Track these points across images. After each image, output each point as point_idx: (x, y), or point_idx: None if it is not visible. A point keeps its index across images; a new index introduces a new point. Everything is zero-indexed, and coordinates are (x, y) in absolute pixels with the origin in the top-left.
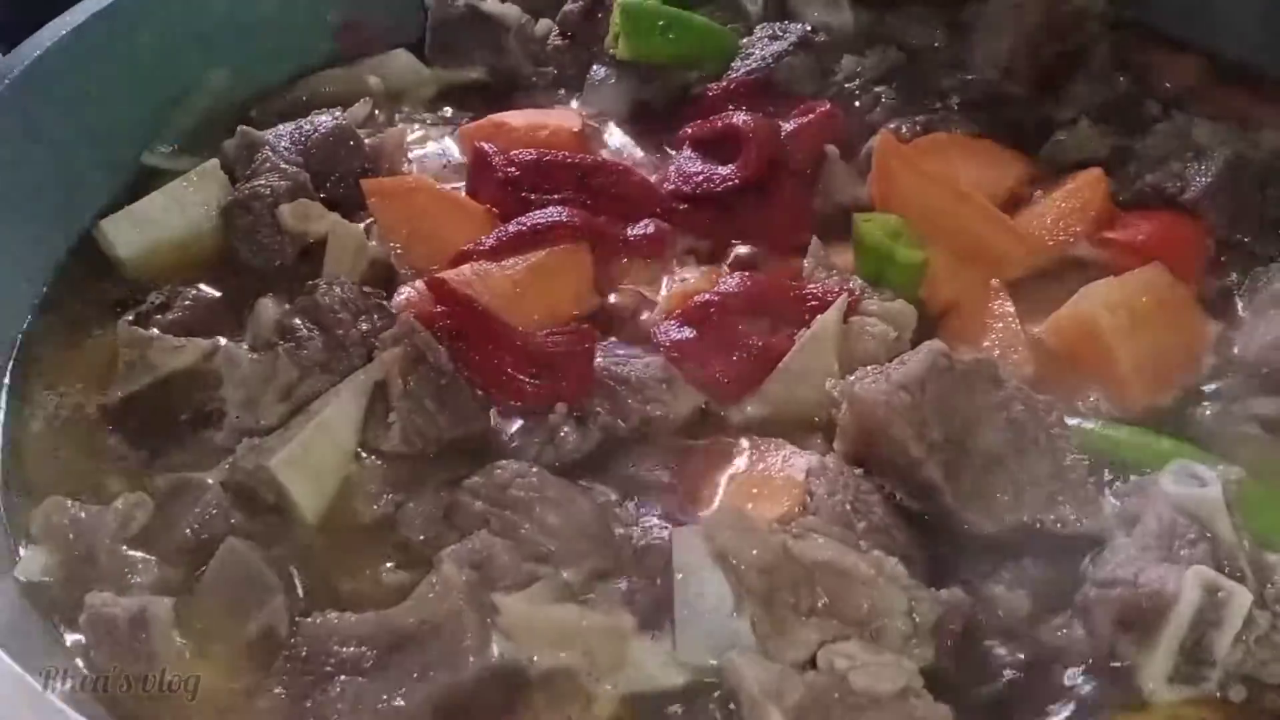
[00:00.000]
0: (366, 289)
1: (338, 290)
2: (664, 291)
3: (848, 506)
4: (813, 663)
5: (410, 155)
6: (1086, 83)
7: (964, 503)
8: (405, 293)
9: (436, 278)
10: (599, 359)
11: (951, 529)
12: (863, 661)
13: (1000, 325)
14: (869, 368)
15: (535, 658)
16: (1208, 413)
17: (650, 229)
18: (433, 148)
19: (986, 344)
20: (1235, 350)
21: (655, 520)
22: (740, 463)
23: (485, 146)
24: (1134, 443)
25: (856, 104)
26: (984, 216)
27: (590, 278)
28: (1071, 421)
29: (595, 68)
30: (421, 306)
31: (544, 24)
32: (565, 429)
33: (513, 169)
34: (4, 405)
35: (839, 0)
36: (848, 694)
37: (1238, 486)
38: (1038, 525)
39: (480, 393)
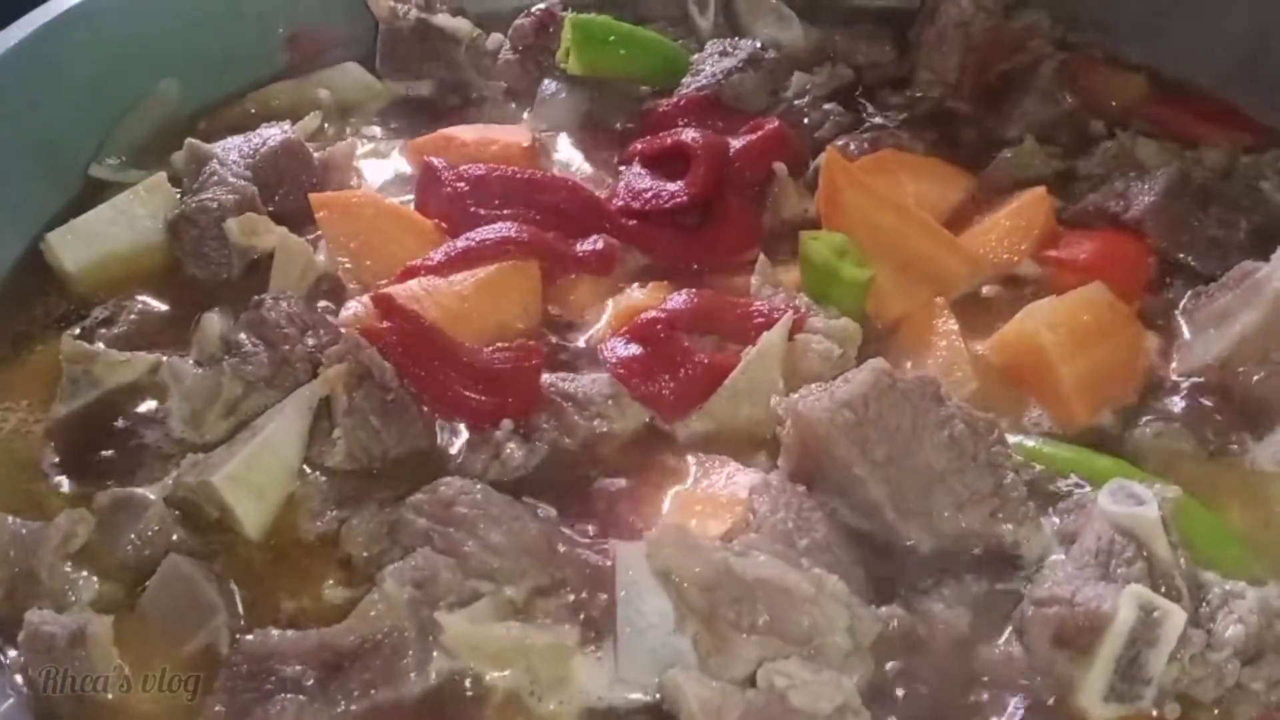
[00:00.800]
0: (313, 304)
1: (284, 305)
2: (611, 308)
3: (790, 524)
4: (754, 680)
5: (359, 169)
6: (1032, 101)
7: (905, 519)
8: (352, 308)
9: (383, 293)
10: (545, 375)
11: (893, 546)
12: (801, 680)
13: (944, 343)
14: (813, 385)
15: (478, 675)
16: (1147, 431)
17: (599, 245)
18: (382, 162)
19: (930, 361)
20: (1175, 368)
21: (600, 537)
22: (684, 480)
23: (434, 161)
24: (1074, 460)
25: (805, 121)
26: (929, 234)
27: (538, 294)
28: (1013, 439)
29: (546, 82)
30: (368, 322)
31: (495, 38)
32: (510, 445)
33: (461, 184)
34: None
35: (789, 17)
36: (787, 712)
37: (1175, 505)
38: (978, 543)
39: (426, 409)
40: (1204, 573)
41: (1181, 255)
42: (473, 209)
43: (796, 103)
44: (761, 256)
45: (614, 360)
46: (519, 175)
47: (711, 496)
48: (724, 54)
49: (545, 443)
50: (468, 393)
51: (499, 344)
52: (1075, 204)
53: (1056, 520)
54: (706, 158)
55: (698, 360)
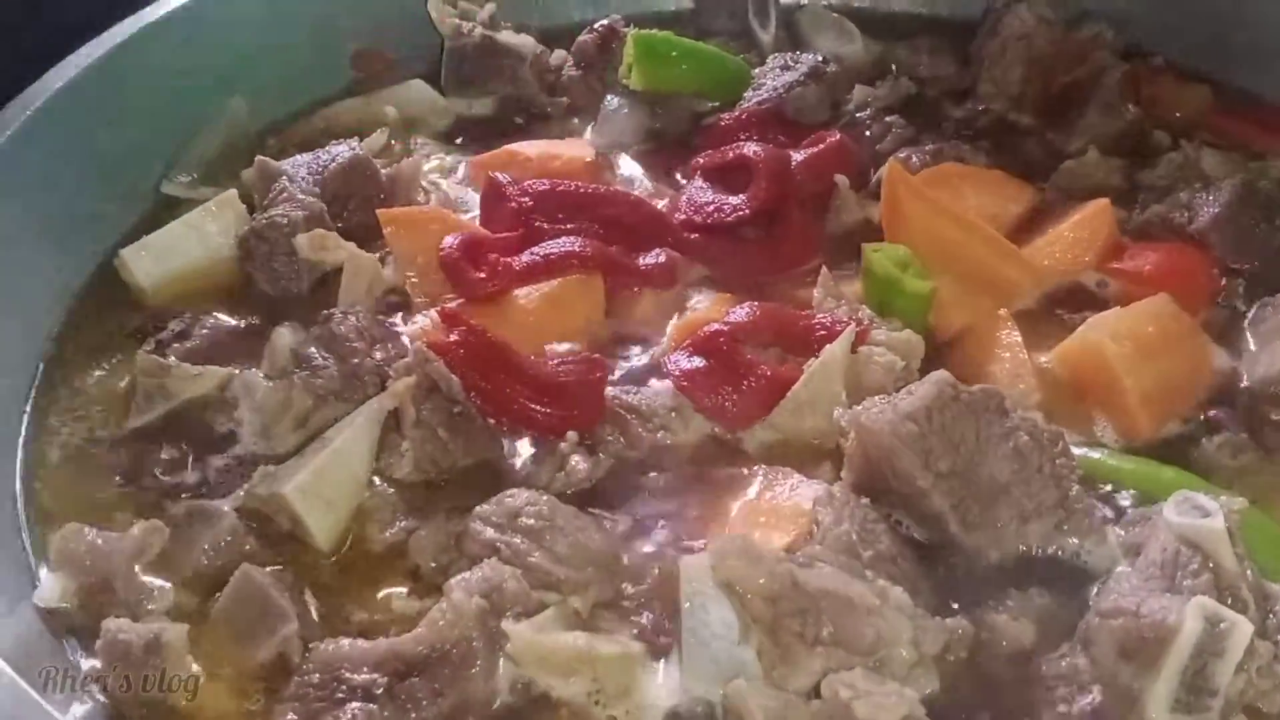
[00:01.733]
0: (381, 318)
1: (352, 319)
2: (674, 321)
3: (854, 536)
4: (818, 691)
5: (425, 185)
6: (1096, 113)
7: (969, 532)
8: (419, 322)
9: (450, 308)
10: (609, 388)
11: (957, 558)
12: (865, 691)
13: (1007, 355)
14: (876, 397)
15: (544, 685)
16: (1214, 443)
17: (661, 258)
18: (448, 178)
19: (994, 373)
20: (1242, 380)
21: (664, 548)
22: (748, 491)
23: (499, 177)
24: (1139, 473)
25: (867, 134)
26: (992, 246)
27: (602, 307)
28: (1078, 451)
29: (609, 98)
30: (435, 336)
31: (558, 54)
32: (576, 457)
33: (526, 199)
34: (24, 432)
35: (851, 31)
36: None
37: (1240, 517)
38: (1043, 555)
39: (492, 421)
40: (1270, 584)
41: (1246, 266)
42: (537, 224)
43: (858, 115)
44: (824, 269)
45: (677, 373)
46: (582, 190)
47: (775, 508)
48: (785, 68)
49: (610, 455)
50: (533, 405)
51: (564, 357)
52: (1139, 216)
53: (1121, 533)
54: (768, 171)
55: (761, 372)
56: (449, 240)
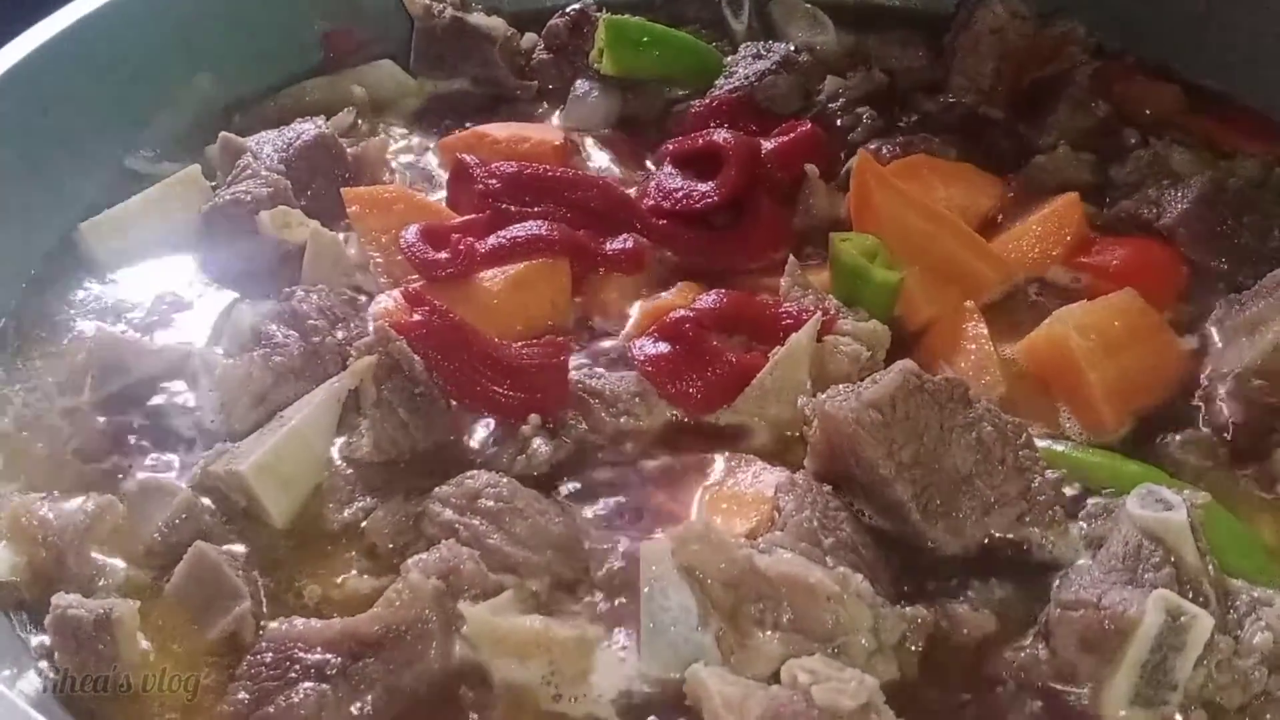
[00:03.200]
0: (344, 296)
1: (315, 297)
2: (640, 307)
3: (815, 523)
4: (777, 677)
5: (392, 165)
6: (1067, 109)
7: (930, 521)
8: (382, 302)
9: (414, 288)
10: (573, 373)
11: (919, 547)
12: (825, 676)
13: (973, 346)
14: (840, 386)
15: (499, 667)
16: (1178, 438)
17: (629, 244)
18: (414, 158)
19: (959, 364)
20: (1207, 376)
21: (625, 533)
22: (711, 477)
23: (466, 158)
24: (1103, 466)
25: (838, 124)
26: (960, 238)
27: (568, 291)
28: (1042, 444)
29: (579, 82)
30: (398, 316)
31: (529, 38)
32: (538, 441)
33: (493, 181)
34: None
35: (824, 22)
36: (810, 708)
37: (1203, 511)
38: (1005, 546)
39: (454, 403)
40: (1232, 580)
41: (1214, 263)
42: (504, 206)
43: (830, 106)
44: (791, 258)
45: (642, 358)
46: (550, 173)
47: (738, 494)
48: (758, 56)
49: (572, 439)
50: (495, 388)
51: (528, 340)
52: (1107, 211)
53: (1084, 525)
54: (738, 158)
55: (726, 360)
56: (407, 233)
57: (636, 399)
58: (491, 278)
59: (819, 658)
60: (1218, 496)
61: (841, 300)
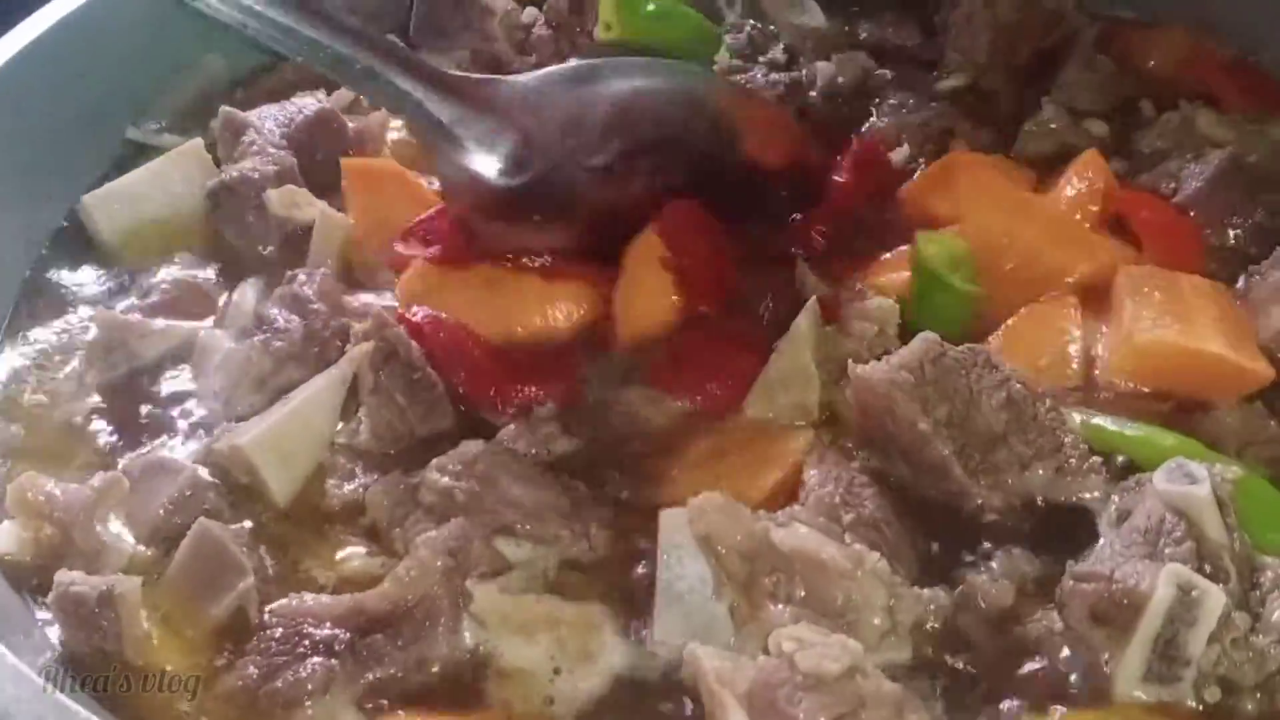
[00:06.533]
0: (350, 280)
1: (317, 280)
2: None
3: (837, 498)
4: None
5: (391, 140)
6: (1074, 70)
7: (974, 477)
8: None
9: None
10: (580, 371)
11: (951, 515)
12: (809, 643)
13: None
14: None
15: (506, 646)
16: (1221, 410)
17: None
18: None
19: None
20: None
21: (634, 512)
22: (732, 450)
23: None
24: (1140, 439)
25: (844, 112)
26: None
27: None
28: (1079, 417)
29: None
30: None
31: (530, 12)
32: (549, 427)
33: None
34: None
35: (811, 7)
36: (795, 675)
37: (1234, 486)
38: (1044, 502)
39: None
40: (1262, 556)
41: (1231, 241)
42: None
43: (821, 90)
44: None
45: (650, 365)
46: None
47: (762, 454)
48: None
49: (582, 437)
50: (506, 388)
51: (534, 337)
52: (1131, 180)
53: (1116, 499)
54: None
55: (733, 364)
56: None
57: (647, 399)
58: (501, 270)
59: (805, 625)
60: (1263, 470)
61: (914, 300)
